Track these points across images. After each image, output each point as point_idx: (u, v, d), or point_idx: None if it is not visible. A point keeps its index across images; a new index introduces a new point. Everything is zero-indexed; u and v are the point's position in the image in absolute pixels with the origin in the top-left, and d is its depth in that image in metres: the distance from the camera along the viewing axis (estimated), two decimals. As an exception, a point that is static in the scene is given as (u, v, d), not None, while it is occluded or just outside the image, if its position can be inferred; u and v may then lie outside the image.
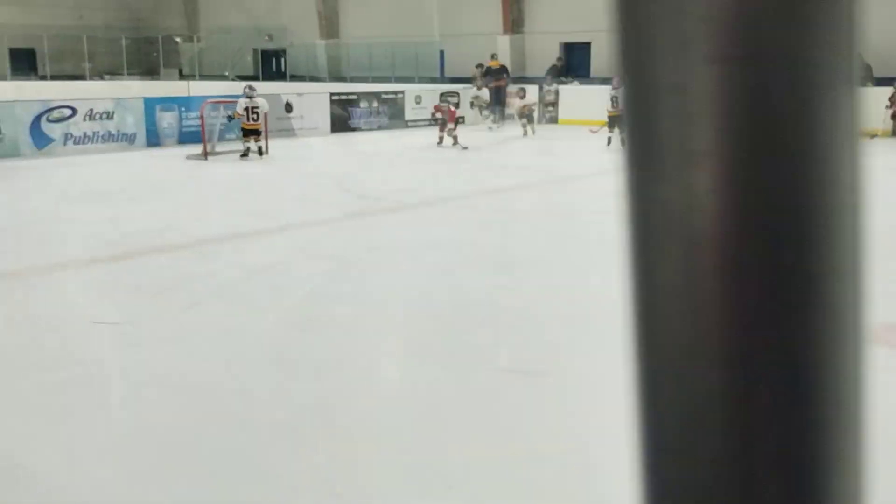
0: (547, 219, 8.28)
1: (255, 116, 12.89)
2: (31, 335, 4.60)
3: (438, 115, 15.62)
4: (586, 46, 22.46)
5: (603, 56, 22.06)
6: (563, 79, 21.58)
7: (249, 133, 12.92)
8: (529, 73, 23.10)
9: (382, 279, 5.86)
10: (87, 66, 29.51)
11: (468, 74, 23.39)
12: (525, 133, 16.95)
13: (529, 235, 7.43)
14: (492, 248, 6.94)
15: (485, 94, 18.84)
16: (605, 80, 20.52)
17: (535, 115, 18.23)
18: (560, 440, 3.32)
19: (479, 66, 22.20)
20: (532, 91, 20.94)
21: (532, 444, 3.28)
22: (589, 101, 20.70)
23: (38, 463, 3.12)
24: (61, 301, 5.32)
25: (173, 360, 4.22)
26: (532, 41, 23.47)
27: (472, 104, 18.94)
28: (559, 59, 22.59)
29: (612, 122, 14.97)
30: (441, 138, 14.95)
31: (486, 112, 19.10)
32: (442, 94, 16.48)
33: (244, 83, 14.55)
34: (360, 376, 4.09)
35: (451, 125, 15.07)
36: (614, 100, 15.07)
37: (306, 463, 3.13)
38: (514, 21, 23.28)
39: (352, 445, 3.28)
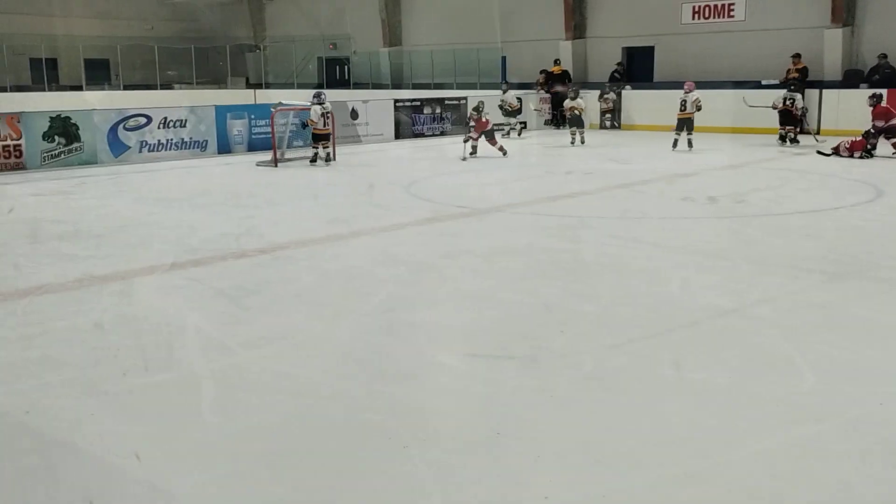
0: (617, 224, 8.23)
1: (326, 122, 13.09)
2: (121, 339, 4.75)
3: (472, 124, 14.37)
4: (649, 51, 22.24)
5: (667, 61, 21.81)
6: (609, 86, 21.35)
7: (320, 139, 13.13)
8: (592, 79, 22.97)
9: (458, 285, 5.90)
10: (158, 75, 30.25)
11: (530, 80, 23.38)
12: (573, 141, 16.24)
13: (600, 241, 7.39)
14: (564, 253, 6.93)
15: (510, 97, 18.31)
16: (668, 85, 20.33)
17: (585, 119, 17.53)
18: (648, 449, 3.31)
19: (543, 71, 22.18)
20: (593, 97, 20.84)
21: (622, 452, 3.28)
22: (652, 105, 20.47)
23: (135, 464, 3.22)
24: (148, 305, 5.49)
25: (262, 363, 4.31)
26: (594, 46, 23.34)
27: (500, 107, 18.36)
28: (619, 64, 22.39)
29: (681, 124, 14.81)
30: (473, 148, 14.00)
31: (512, 120, 18.55)
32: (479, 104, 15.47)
33: (310, 91, 14.75)
34: (444, 380, 4.14)
35: (473, 135, 14.04)
36: (683, 103, 14.88)
37: (400, 466, 3.17)
38: (576, 26, 23.18)
39: (442, 449, 3.32)
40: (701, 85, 17.48)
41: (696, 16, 21.26)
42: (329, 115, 13.17)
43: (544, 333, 4.73)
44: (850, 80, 18.32)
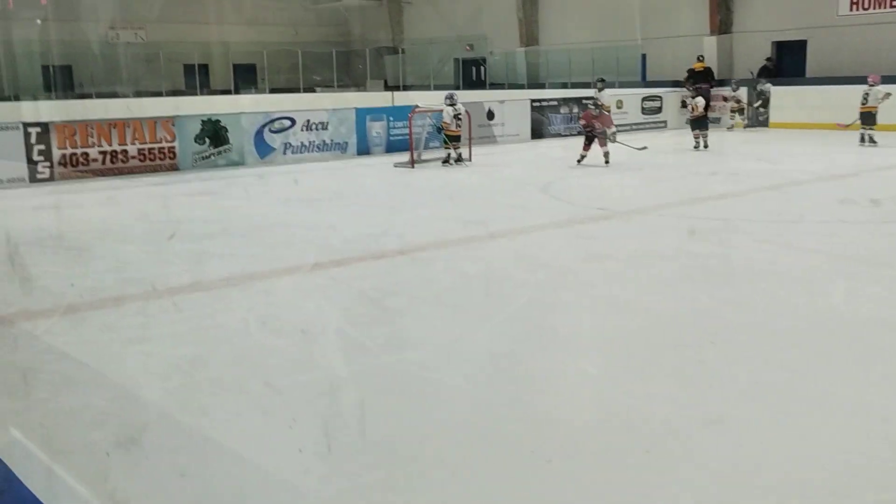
0: (769, 228, 7.77)
1: (458, 123, 13.10)
2: (265, 339, 4.84)
3: (583, 122, 13.38)
4: (801, 45, 21.09)
5: (821, 55, 20.61)
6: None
7: (453, 140, 13.15)
8: (738, 76, 22.02)
9: (600, 290, 5.69)
10: (301, 78, 31.30)
11: (671, 77, 22.66)
12: (696, 145, 14.76)
13: (752, 245, 6.98)
14: (713, 258, 6.59)
15: (605, 97, 16.45)
16: (822, 81, 19.19)
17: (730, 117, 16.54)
18: (812, 476, 3.03)
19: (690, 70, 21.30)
20: (741, 94, 19.94)
21: (785, 480, 3.02)
22: (805, 102, 19.38)
23: (270, 463, 3.22)
24: (291, 305, 5.58)
25: (402, 367, 4.27)
26: (741, 41, 22.36)
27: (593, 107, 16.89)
28: (769, 59, 21.33)
29: (865, 118, 13.93)
30: (605, 154, 12.84)
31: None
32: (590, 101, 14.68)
33: (445, 93, 14.75)
34: (588, 391, 3.96)
35: (611, 130, 13.20)
36: (866, 96, 13.93)
37: (545, 482, 3.04)
38: (721, 21, 22.29)
39: (588, 466, 3.16)
40: (860, 81, 16.40)
41: (855, 7, 19.99)
42: (462, 116, 13.16)
43: (694, 344, 4.48)
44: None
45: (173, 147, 13.05)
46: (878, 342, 4.44)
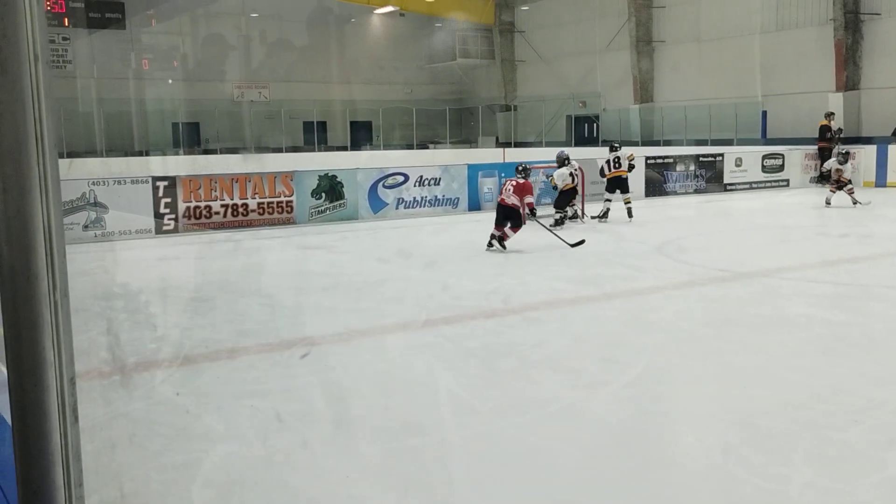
0: (910, 297, 7.22)
1: (572, 180, 12.95)
2: (375, 398, 4.75)
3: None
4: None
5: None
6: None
7: (573, 195, 13.00)
8: (866, 133, 21.08)
9: (724, 358, 5.35)
10: (415, 135, 31.98)
11: (793, 135, 21.88)
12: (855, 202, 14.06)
13: (891, 315, 6.49)
14: (849, 327, 6.13)
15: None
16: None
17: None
18: None
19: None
20: (869, 153, 19.00)
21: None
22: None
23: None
24: (401, 363, 5.49)
25: (514, 433, 4.09)
26: (870, 98, 21.45)
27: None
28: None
29: None
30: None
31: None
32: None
33: (558, 148, 14.54)
34: (713, 470, 3.67)
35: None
36: None
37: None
38: (848, 77, 21.48)
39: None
40: None
41: None
42: (576, 173, 13.00)
43: (834, 423, 4.11)
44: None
45: (291, 201, 13.39)
46: None
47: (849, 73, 21.48)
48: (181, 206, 12.41)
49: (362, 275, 8.93)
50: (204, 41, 30.59)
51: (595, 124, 29.56)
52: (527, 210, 10.23)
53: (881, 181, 18.59)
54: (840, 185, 14.35)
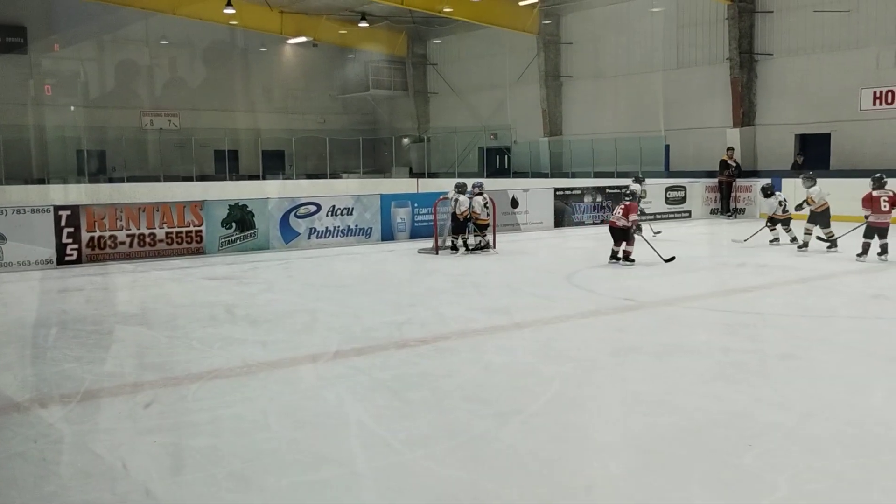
0: (802, 323, 7.58)
1: (486, 212, 13.14)
2: (284, 431, 4.70)
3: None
4: (825, 138, 21.19)
5: (845, 148, 20.67)
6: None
7: (482, 228, 13.16)
8: (761, 167, 22.10)
9: (630, 386, 5.51)
10: (328, 165, 31.89)
11: (694, 168, 22.78)
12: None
13: (785, 341, 6.79)
14: (746, 354, 6.39)
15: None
16: (846, 174, 19.11)
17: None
18: None
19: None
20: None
21: None
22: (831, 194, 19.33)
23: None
24: (311, 395, 5.44)
25: (426, 464, 4.10)
26: (764, 133, 22.52)
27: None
28: (799, 154, 21.40)
29: None
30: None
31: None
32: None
33: (469, 181, 14.71)
34: (621, 499, 3.77)
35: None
36: None
37: None
38: (744, 114, 22.51)
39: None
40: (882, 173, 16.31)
41: (878, 101, 20.14)
42: (488, 205, 13.23)
43: (729, 447, 4.27)
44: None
45: (200, 231, 13.15)
46: (926, 448, 4.22)
47: (745, 110, 22.51)
48: (85, 236, 12.04)
49: (272, 305, 8.83)
50: (110, 67, 29.89)
51: (506, 156, 30.08)
52: (633, 227, 11.51)
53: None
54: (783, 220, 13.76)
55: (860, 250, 11.49)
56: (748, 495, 3.70)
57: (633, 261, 11.53)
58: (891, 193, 11.46)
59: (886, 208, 11.33)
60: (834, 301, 8.80)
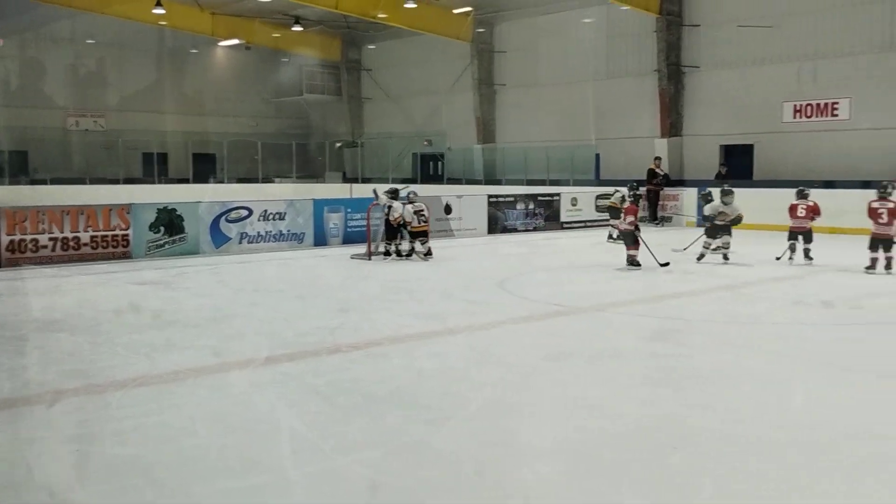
0: (728, 328, 7.78)
1: (423, 219, 13.13)
2: (212, 438, 4.60)
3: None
4: (749, 149, 21.85)
5: (767, 159, 21.35)
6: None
7: (417, 235, 13.14)
8: (688, 176, 22.65)
9: (562, 391, 5.57)
10: (260, 169, 31.47)
11: (624, 177, 23.22)
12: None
13: (711, 346, 6.97)
14: (674, 359, 6.53)
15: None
16: (769, 184, 19.71)
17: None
18: None
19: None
20: (690, 194, 20.41)
21: None
22: (751, 204, 19.93)
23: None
24: (241, 401, 5.35)
25: (357, 470, 4.07)
26: (690, 144, 23.11)
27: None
28: (722, 164, 21.99)
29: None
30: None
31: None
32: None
33: (401, 186, 14.67)
34: (552, 500, 3.80)
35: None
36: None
37: None
38: (672, 124, 23.05)
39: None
40: (803, 185, 16.87)
41: (798, 114, 20.85)
42: (424, 212, 13.21)
43: (658, 450, 4.35)
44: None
45: (127, 235, 12.83)
46: (853, 452, 4.36)
47: (672, 121, 23.05)
48: (4, 240, 11.62)
49: (202, 311, 8.66)
50: (33, 66, 28.97)
51: (440, 162, 30.18)
52: (629, 227, 11.89)
53: (701, 221, 19.96)
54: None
55: (780, 254, 12.44)
56: (675, 497, 3.77)
57: (638, 264, 11.78)
58: (811, 203, 12.33)
59: (803, 214, 12.27)
60: (758, 307, 9.06)
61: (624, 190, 14.43)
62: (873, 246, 11.38)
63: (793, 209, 12.45)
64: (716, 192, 13.40)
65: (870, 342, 7.14)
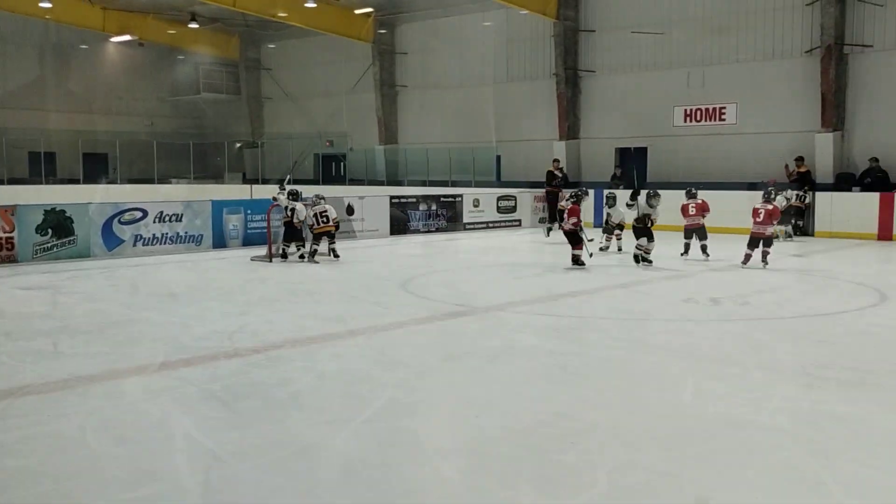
0: (622, 325, 8.03)
1: (324, 220, 13.03)
2: (104, 447, 4.47)
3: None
4: (643, 151, 22.56)
5: (660, 161, 22.09)
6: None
7: (321, 236, 13.04)
8: (586, 178, 23.21)
9: (462, 390, 5.64)
10: (156, 170, 30.55)
11: (524, 178, 23.63)
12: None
13: (606, 343, 7.18)
14: (570, 356, 6.70)
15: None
16: (661, 186, 20.41)
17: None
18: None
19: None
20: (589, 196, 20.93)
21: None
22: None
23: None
24: (135, 409, 5.20)
25: (256, 475, 4.02)
26: (588, 146, 23.68)
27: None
28: (617, 167, 22.64)
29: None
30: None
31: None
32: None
33: (306, 186, 14.56)
34: (450, 499, 3.85)
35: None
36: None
37: None
38: (569, 127, 23.58)
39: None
40: (694, 186, 17.55)
41: (688, 119, 21.65)
42: (326, 213, 13.13)
43: (554, 446, 4.47)
44: (842, 183, 18.52)
45: (11, 238, 12.26)
46: (732, 441, 4.57)
47: (570, 124, 23.57)
48: None
49: (93, 316, 8.37)
50: None
51: (342, 163, 29.99)
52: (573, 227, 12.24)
53: (598, 222, 20.49)
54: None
55: (682, 250, 13.24)
56: (570, 491, 3.88)
57: (583, 263, 12.14)
58: (699, 201, 13.25)
59: (694, 212, 13.11)
60: (650, 305, 9.38)
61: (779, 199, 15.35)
62: (751, 243, 12.25)
63: (684, 209, 13.30)
64: (620, 193, 13.84)
65: (752, 337, 7.50)
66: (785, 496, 3.80)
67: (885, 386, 5.79)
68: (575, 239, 12.28)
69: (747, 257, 12.22)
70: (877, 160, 17.84)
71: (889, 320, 8.43)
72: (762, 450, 4.40)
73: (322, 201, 13.23)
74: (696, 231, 13.21)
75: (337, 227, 13.33)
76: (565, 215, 12.57)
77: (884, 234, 17.17)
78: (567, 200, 12.77)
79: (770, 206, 12.29)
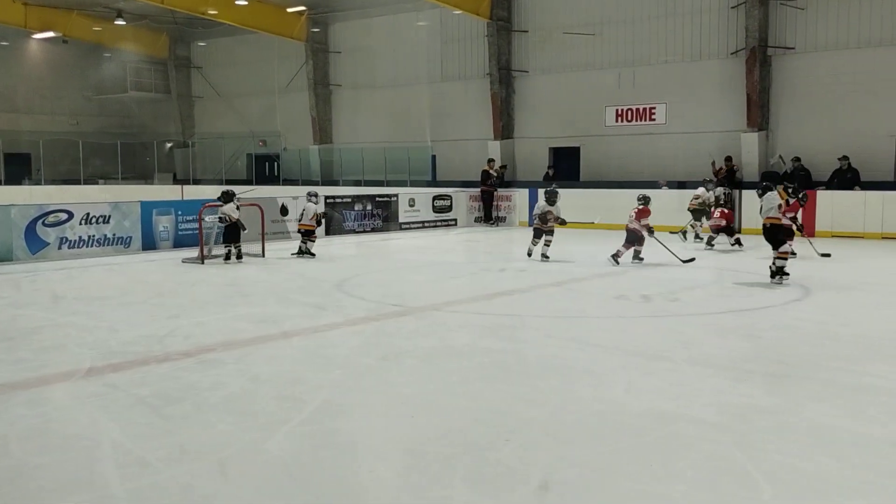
0: (556, 323, 8.12)
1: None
2: (28, 456, 4.33)
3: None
4: (576, 151, 22.88)
5: (592, 160, 22.43)
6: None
7: (307, 234, 13.78)
8: (520, 177, 23.42)
9: (398, 390, 5.63)
10: (82, 170, 29.74)
11: (459, 178, 23.72)
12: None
13: (541, 341, 7.25)
14: (505, 354, 6.74)
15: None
16: (593, 185, 20.74)
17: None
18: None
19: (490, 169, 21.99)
20: (522, 195, 21.13)
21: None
22: (578, 203, 20.89)
23: None
24: (60, 417, 5.05)
25: (186, 481, 3.94)
26: (522, 146, 23.90)
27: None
28: (550, 167, 22.91)
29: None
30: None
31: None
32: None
33: (238, 186, 14.36)
34: (385, 499, 3.83)
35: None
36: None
37: None
38: (504, 127, 23.76)
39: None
40: (625, 185, 17.93)
41: (620, 119, 22.04)
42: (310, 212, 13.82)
43: (489, 443, 4.49)
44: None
45: (-74, 241, 11.78)
46: (663, 434, 4.66)
47: (504, 123, 23.77)
48: None
49: (16, 322, 8.10)
50: None
51: (276, 163, 29.65)
52: (645, 231, 12.55)
53: (532, 221, 20.71)
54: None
55: (614, 251, 13.03)
56: (505, 487, 3.90)
57: (642, 259, 12.55)
58: (640, 207, 13.11)
59: (633, 216, 13.00)
60: (584, 302, 9.51)
61: (700, 190, 15.94)
62: (627, 241, 12.75)
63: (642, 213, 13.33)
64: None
65: (682, 332, 7.66)
66: (713, 487, 3.89)
67: (809, 378, 5.98)
68: (640, 238, 12.58)
69: (619, 252, 12.59)
70: (799, 159, 18.42)
71: (812, 314, 8.70)
72: (692, 442, 4.50)
73: (314, 199, 13.87)
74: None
75: (319, 224, 14.13)
76: (632, 215, 12.64)
77: (807, 232, 17.73)
78: (638, 202, 12.80)
79: (640, 206, 12.72)
